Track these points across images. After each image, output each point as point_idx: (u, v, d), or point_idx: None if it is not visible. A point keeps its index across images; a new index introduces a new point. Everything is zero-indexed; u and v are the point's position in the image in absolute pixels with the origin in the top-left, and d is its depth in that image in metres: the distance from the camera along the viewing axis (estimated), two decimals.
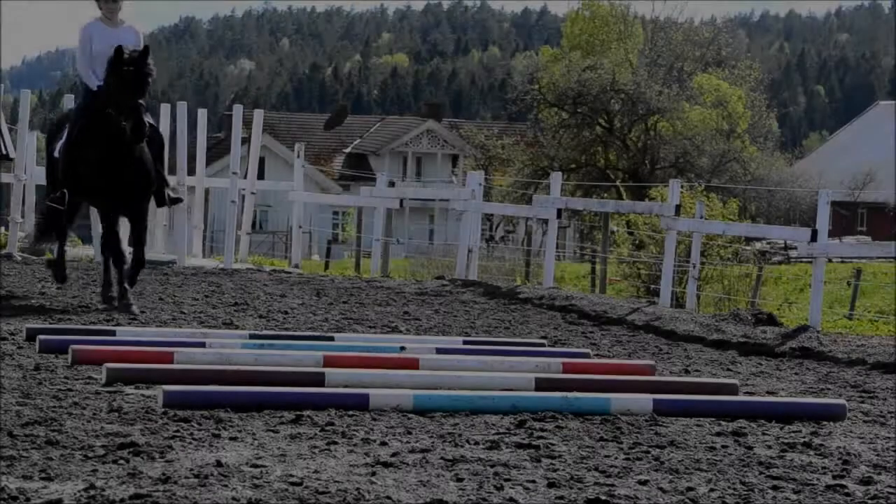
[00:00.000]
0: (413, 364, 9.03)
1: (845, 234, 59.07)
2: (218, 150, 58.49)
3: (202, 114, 21.17)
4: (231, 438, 6.47)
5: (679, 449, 6.83)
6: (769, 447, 7.02)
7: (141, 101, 11.82)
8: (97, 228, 19.60)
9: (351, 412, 7.36)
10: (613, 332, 13.25)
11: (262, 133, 22.48)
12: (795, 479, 6.18)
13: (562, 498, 5.54)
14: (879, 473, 6.41)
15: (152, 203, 12.95)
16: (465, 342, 10.69)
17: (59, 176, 12.68)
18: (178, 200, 13.55)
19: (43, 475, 5.44)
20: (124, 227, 13.70)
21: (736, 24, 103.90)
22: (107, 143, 12.05)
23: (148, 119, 12.15)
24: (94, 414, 6.93)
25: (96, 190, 12.44)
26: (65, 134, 12.67)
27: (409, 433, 6.88)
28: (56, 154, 12.81)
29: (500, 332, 12.61)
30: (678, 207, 16.69)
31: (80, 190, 12.57)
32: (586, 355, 10.39)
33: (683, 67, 57.93)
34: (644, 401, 7.91)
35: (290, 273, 19.32)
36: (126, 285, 12.37)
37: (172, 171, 20.99)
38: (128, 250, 13.30)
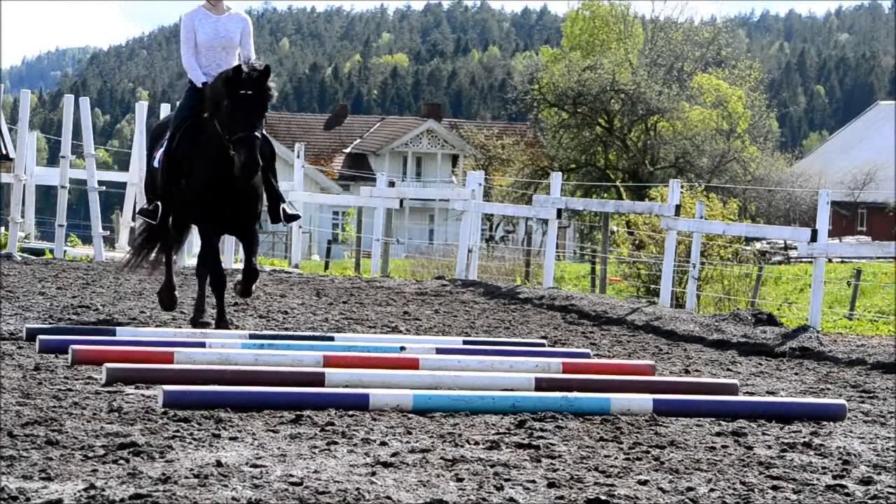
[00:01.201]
0: (413, 364, 9.03)
1: (845, 234, 59.04)
2: None
3: None
4: (231, 438, 6.47)
5: (679, 449, 6.83)
6: (769, 447, 7.02)
7: (257, 132, 10.42)
8: (97, 228, 19.64)
9: (351, 412, 7.36)
10: (613, 332, 13.25)
11: None
12: (795, 479, 6.18)
13: (562, 498, 5.54)
14: (879, 473, 6.41)
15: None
16: (465, 342, 10.69)
17: (158, 188, 11.33)
18: (295, 217, 11.57)
19: (43, 475, 5.44)
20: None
21: (736, 24, 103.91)
22: (212, 167, 10.75)
23: (261, 131, 10.60)
24: (94, 414, 6.93)
25: (196, 211, 11.10)
26: (166, 140, 11.29)
27: (409, 433, 6.88)
28: (156, 163, 11.44)
29: (500, 332, 12.61)
30: (678, 207, 16.69)
31: (179, 207, 11.24)
32: (586, 355, 10.39)
33: (683, 67, 57.93)
34: (644, 401, 7.92)
35: (290, 273, 19.32)
36: (223, 308, 11.22)
37: None
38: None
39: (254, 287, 11.24)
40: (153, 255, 12.15)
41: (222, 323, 11.11)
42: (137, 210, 11.51)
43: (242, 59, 11.02)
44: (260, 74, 10.51)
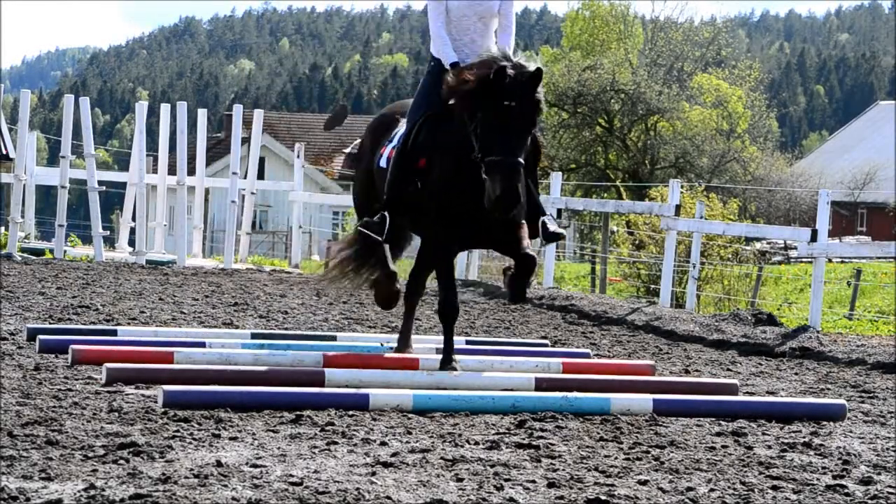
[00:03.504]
0: (413, 364, 9.03)
1: (845, 234, 59.03)
2: (218, 150, 58.52)
3: (202, 114, 21.20)
4: (231, 438, 6.47)
5: (679, 449, 6.83)
6: (769, 447, 7.02)
7: (519, 158, 8.21)
8: (97, 228, 19.61)
9: (351, 412, 7.36)
10: (613, 332, 13.25)
11: (262, 133, 22.50)
12: (795, 479, 6.18)
13: (562, 498, 5.54)
14: (879, 473, 6.41)
15: None
16: (465, 342, 10.69)
17: (385, 192, 9.00)
18: (557, 237, 8.96)
19: (43, 475, 5.44)
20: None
21: (736, 24, 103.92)
22: (459, 169, 8.55)
23: (523, 155, 8.35)
24: (94, 414, 6.93)
25: (433, 221, 8.86)
26: (397, 136, 9.12)
27: (409, 433, 6.88)
28: (382, 162, 9.17)
29: (501, 332, 12.61)
30: (678, 207, 16.70)
31: (410, 213, 8.99)
32: (586, 355, 10.39)
33: (683, 67, 57.92)
34: (644, 401, 7.92)
35: (290, 273, 19.32)
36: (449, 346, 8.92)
37: (172, 170, 21.06)
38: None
39: (529, 282, 8.74)
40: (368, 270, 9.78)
41: (447, 362, 8.84)
42: (359, 224, 9.12)
43: (499, 45, 8.77)
44: (529, 80, 8.30)
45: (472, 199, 8.50)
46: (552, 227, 8.90)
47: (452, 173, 8.60)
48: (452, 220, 8.72)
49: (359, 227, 9.10)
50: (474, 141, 8.36)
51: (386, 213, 8.85)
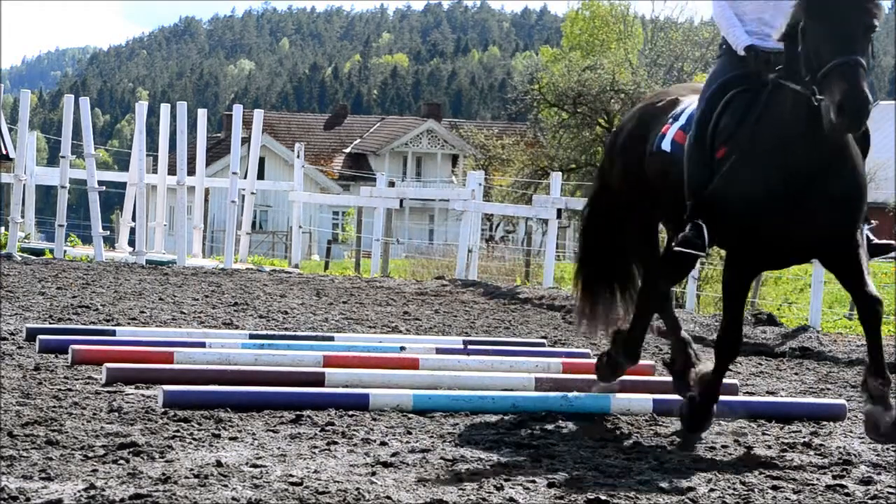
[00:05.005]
0: (413, 364, 9.03)
1: None
2: (218, 150, 58.56)
3: (202, 114, 21.20)
4: (231, 438, 6.47)
5: (679, 449, 6.83)
6: (769, 447, 7.02)
7: (859, 56, 6.62)
8: (97, 228, 19.62)
9: (351, 412, 7.36)
10: None
11: (262, 133, 22.50)
12: (795, 479, 6.18)
13: (562, 498, 5.54)
14: (879, 473, 6.41)
15: None
16: (465, 342, 10.69)
17: (687, 191, 7.25)
18: (887, 248, 7.41)
19: (43, 475, 5.44)
20: None
21: None
22: (780, 160, 6.83)
23: (867, 58, 6.78)
24: (94, 414, 6.93)
25: (739, 227, 7.00)
26: (684, 114, 7.53)
27: (409, 433, 6.88)
28: (664, 145, 7.55)
29: (500, 332, 12.60)
30: None
31: (729, 224, 7.02)
32: (586, 355, 10.38)
33: (683, 68, 57.94)
34: (644, 401, 7.92)
35: (290, 273, 19.32)
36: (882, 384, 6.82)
37: (172, 170, 21.08)
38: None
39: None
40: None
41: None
42: (676, 244, 7.20)
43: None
44: None
45: (794, 200, 6.83)
46: (874, 238, 7.37)
47: (772, 169, 6.86)
48: (762, 230, 6.92)
49: (675, 248, 7.21)
50: (794, 78, 6.83)
51: (701, 222, 7.08)
